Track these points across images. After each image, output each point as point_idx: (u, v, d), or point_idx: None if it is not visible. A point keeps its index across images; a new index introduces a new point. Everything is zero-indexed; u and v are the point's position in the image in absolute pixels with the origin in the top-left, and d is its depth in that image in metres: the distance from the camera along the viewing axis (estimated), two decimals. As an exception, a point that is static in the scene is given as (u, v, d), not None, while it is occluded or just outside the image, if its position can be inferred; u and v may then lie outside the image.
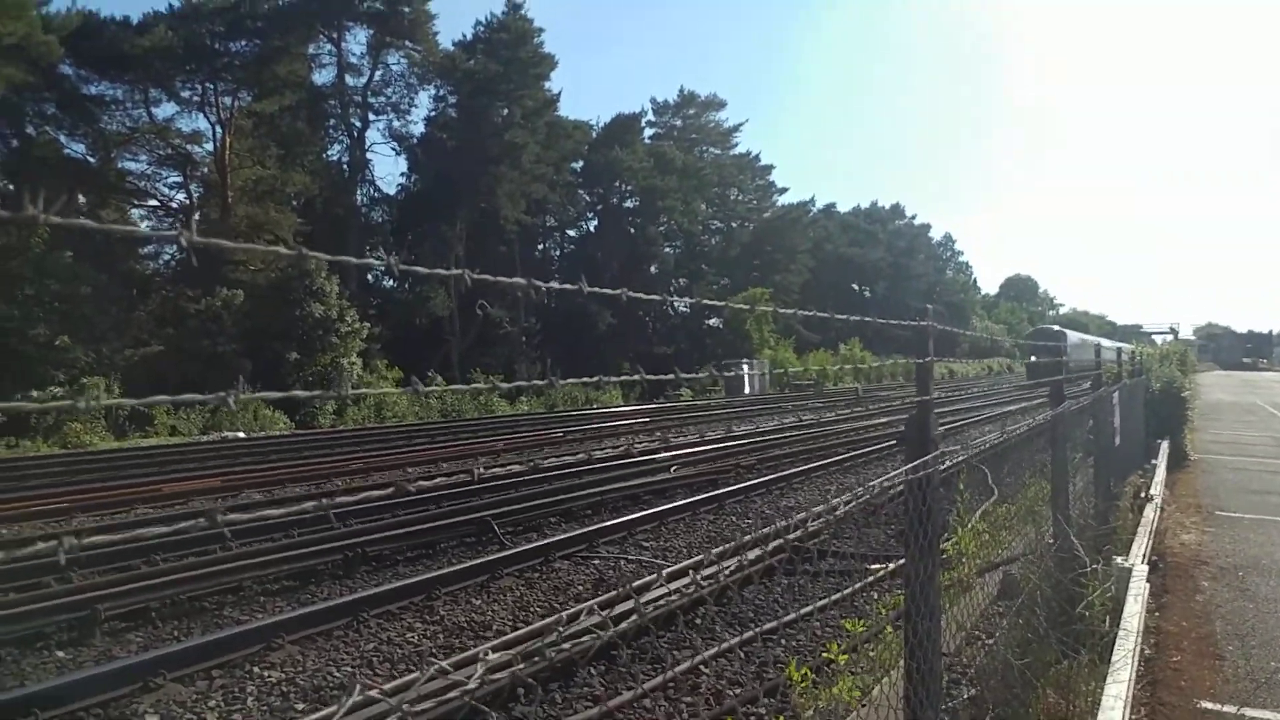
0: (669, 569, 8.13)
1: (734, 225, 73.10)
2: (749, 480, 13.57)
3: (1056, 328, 61.82)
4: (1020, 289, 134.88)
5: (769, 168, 78.09)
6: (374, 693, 0.98)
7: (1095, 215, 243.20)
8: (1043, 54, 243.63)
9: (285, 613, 7.07)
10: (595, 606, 1.36)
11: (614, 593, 1.55)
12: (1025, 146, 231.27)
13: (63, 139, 39.51)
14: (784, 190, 79.88)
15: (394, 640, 6.60)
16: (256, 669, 5.95)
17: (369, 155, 51.99)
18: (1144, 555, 6.72)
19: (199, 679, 5.75)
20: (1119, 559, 5.94)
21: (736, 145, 74.98)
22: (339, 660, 6.16)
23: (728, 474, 14.45)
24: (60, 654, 6.46)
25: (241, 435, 26.14)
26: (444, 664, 1.02)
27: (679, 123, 72.02)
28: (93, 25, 38.28)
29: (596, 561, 9.01)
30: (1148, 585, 5.69)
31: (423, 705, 0.99)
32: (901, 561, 5.69)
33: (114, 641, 6.77)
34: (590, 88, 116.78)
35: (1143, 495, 9.38)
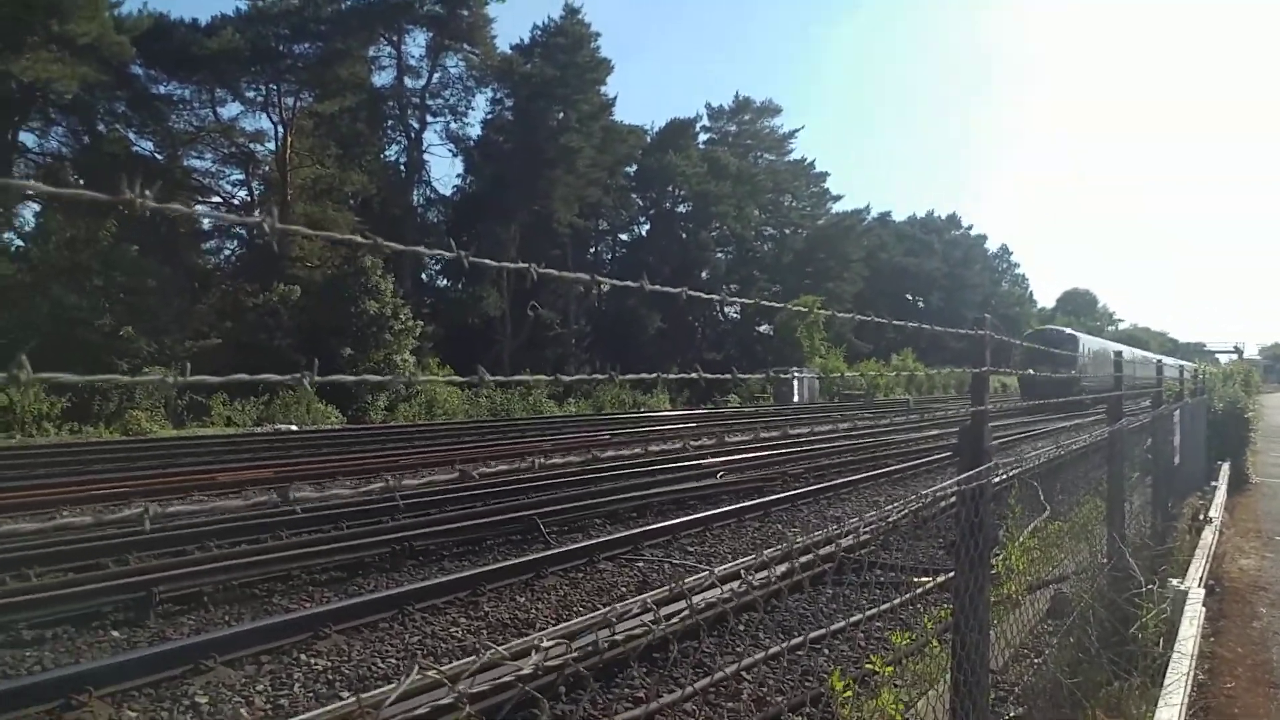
0: (721, 570, 8.11)
1: (787, 232, 72.67)
2: (796, 488, 13.47)
3: (1069, 330, 50.98)
4: (1078, 303, 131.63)
5: (824, 174, 77.85)
6: (432, 673, 1.01)
7: (1156, 224, 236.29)
8: (1095, 60, 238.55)
9: (333, 603, 7.19)
10: (648, 601, 1.37)
11: (665, 589, 1.56)
12: (1082, 154, 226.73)
13: (132, 136, 40.96)
14: (839, 197, 79.48)
15: (438, 634, 6.65)
16: (304, 656, 6.05)
17: (426, 156, 52.90)
18: (1201, 578, 6.55)
19: (248, 663, 5.85)
20: (1175, 581, 5.80)
21: (792, 151, 74.79)
22: (384, 652, 6.24)
23: (774, 481, 14.36)
24: (115, 634, 6.62)
25: (294, 428, 26.61)
26: (500, 649, 1.04)
27: (734, 128, 71.99)
28: (163, 27, 39.58)
29: (640, 564, 9.01)
30: (1204, 609, 5.54)
31: (478, 688, 1.01)
32: (949, 575, 5.62)
33: (167, 623, 6.92)
34: (644, 90, 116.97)
35: (1201, 517, 9.14)
